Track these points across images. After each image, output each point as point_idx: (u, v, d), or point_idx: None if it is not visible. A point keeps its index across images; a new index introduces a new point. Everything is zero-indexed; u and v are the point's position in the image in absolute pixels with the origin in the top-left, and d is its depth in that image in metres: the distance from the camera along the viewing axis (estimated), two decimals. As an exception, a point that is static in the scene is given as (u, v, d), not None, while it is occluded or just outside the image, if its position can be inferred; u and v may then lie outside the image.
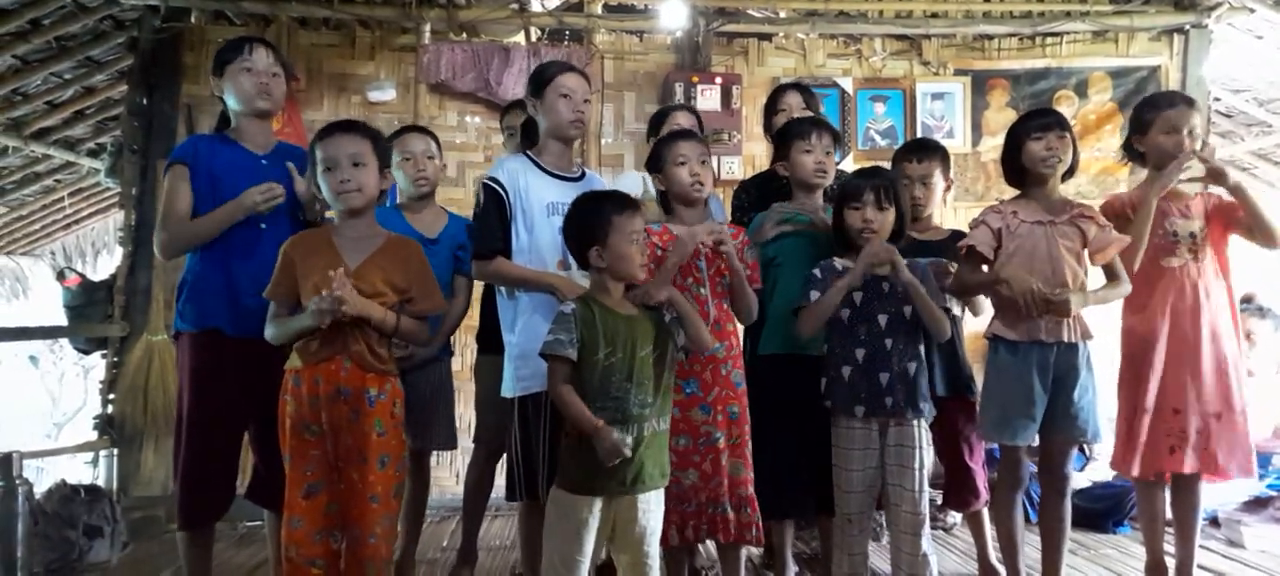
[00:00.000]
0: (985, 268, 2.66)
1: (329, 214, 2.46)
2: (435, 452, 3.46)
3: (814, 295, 2.50)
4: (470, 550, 3.17)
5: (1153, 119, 2.77)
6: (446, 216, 3.00)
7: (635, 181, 3.11)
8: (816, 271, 2.55)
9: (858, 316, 2.47)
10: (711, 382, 2.46)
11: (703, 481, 2.43)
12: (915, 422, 2.45)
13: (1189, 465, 2.70)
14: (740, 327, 2.62)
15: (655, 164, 2.58)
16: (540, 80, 2.55)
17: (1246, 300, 4.42)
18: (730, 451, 2.45)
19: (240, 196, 2.45)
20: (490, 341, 2.96)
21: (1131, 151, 2.89)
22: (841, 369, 2.49)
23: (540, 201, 2.50)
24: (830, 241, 2.66)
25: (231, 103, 2.58)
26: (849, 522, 2.49)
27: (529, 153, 2.61)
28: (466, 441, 3.26)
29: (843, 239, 2.56)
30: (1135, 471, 2.78)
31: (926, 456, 2.47)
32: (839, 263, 2.55)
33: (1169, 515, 2.89)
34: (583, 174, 2.67)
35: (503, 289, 2.57)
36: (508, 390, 2.51)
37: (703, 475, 2.43)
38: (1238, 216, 2.74)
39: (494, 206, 2.49)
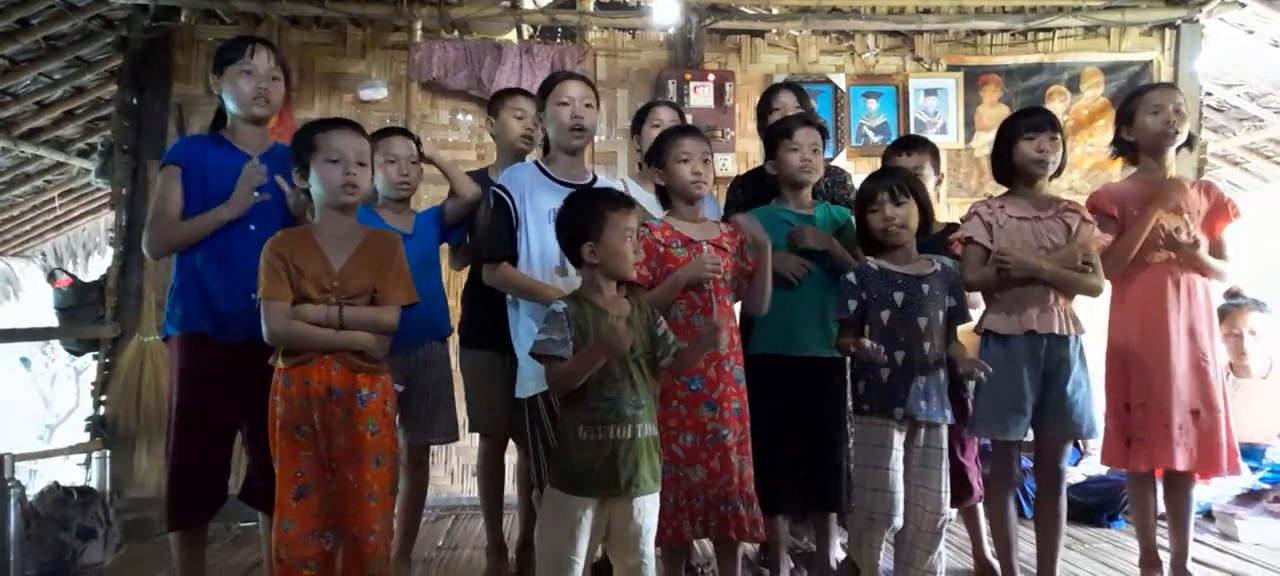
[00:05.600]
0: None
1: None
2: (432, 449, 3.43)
3: (851, 304, 2.48)
4: (498, 543, 3.12)
5: (1137, 104, 2.83)
6: (413, 214, 2.96)
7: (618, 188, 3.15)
8: (852, 277, 2.51)
9: (898, 319, 2.46)
10: (716, 379, 2.44)
11: (711, 478, 2.40)
12: (943, 426, 2.46)
13: (1166, 461, 2.72)
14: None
15: (657, 158, 2.58)
16: (544, 91, 2.66)
17: (1232, 295, 4.37)
18: (737, 448, 2.44)
19: (230, 200, 2.43)
20: (476, 337, 2.96)
21: (1121, 144, 2.92)
22: (879, 371, 2.46)
23: (541, 209, 2.55)
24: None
25: (229, 104, 2.55)
26: (871, 522, 2.46)
27: (540, 161, 2.69)
28: (466, 439, 3.24)
29: (871, 242, 2.56)
30: (1119, 464, 2.85)
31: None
32: (873, 263, 2.53)
33: (1163, 509, 2.91)
34: (594, 179, 2.69)
35: (508, 295, 2.63)
36: (520, 392, 2.57)
37: (711, 472, 2.40)
38: (1234, 212, 2.79)
39: (501, 214, 2.57)
